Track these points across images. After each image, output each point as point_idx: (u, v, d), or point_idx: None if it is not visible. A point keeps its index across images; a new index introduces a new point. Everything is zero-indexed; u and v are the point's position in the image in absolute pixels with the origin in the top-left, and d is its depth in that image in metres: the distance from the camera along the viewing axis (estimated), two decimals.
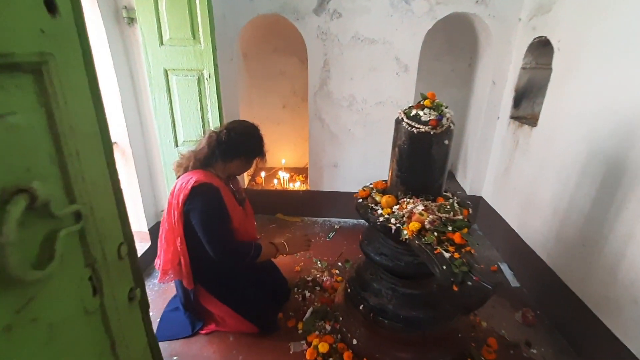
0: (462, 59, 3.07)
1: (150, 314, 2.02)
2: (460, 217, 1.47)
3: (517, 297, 2.19)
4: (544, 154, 2.12)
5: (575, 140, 1.86)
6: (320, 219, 3.15)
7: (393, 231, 1.47)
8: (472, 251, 1.31)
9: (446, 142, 1.48)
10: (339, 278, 2.31)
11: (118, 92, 2.01)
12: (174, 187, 1.56)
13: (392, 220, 1.50)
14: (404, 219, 1.49)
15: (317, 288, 2.24)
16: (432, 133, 1.43)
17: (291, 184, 3.20)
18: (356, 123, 2.83)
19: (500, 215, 2.63)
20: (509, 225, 2.48)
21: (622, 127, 1.56)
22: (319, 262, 2.52)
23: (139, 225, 2.34)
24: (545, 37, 2.16)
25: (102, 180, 0.70)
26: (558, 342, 1.85)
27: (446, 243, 1.34)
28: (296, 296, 2.16)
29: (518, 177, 2.40)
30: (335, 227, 3.03)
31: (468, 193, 3.01)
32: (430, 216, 1.43)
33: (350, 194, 3.17)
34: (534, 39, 2.28)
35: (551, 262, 2.03)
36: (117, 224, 0.75)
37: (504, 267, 2.45)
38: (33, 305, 0.51)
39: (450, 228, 1.38)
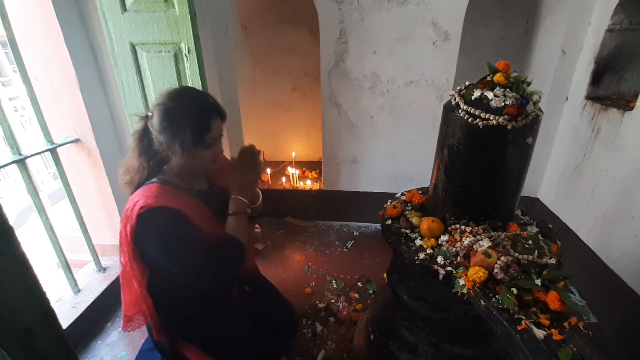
0: (517, 23, 2.41)
1: (124, 353, 1.68)
2: (550, 258, 0.94)
3: (596, 339, 1.64)
4: None
5: None
6: (336, 224, 2.67)
7: (441, 277, 0.97)
8: (581, 325, 0.79)
9: (529, 140, 0.94)
10: (359, 306, 1.85)
11: (74, 75, 1.57)
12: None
13: (439, 260, 0.99)
14: (459, 259, 0.98)
15: (331, 319, 1.78)
16: (508, 127, 0.90)
17: (302, 182, 2.72)
18: (380, 108, 2.28)
19: (566, 225, 2.05)
20: (582, 240, 1.90)
21: None
22: (334, 281, 2.06)
23: (115, 238, 1.94)
24: None
25: None
26: None
27: (534, 308, 0.83)
28: (305, 331, 1.72)
29: (598, 178, 1.80)
30: (355, 234, 2.54)
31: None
32: (503, 257, 0.91)
33: (373, 194, 2.68)
34: None
35: None
36: None
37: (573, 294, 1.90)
38: None
39: (537, 280, 0.86)
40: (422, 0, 1.97)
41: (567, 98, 2.10)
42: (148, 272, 1.18)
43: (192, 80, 1.65)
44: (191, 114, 1.01)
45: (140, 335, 1.68)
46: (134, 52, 1.60)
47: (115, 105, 1.78)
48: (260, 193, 1.31)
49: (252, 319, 1.46)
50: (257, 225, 2.55)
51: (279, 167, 3.02)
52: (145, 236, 1.05)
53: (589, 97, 1.94)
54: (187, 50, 1.58)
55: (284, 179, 2.76)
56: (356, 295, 1.95)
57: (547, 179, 2.30)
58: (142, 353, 1.59)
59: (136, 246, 1.09)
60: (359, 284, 2.04)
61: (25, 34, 1.51)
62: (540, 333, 0.77)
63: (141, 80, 1.65)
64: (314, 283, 2.05)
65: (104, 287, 1.83)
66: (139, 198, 1.03)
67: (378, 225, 2.59)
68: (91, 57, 1.68)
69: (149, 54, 1.60)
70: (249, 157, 1.18)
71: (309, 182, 2.71)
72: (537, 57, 2.28)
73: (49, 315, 0.88)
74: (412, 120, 2.27)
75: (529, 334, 0.77)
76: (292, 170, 2.73)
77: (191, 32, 1.55)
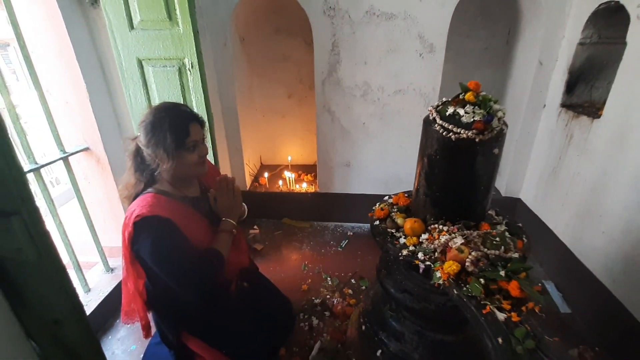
0: (499, 34, 2.57)
1: (134, 347, 1.79)
2: (514, 252, 1.09)
3: (569, 328, 1.79)
4: (611, 153, 1.67)
5: None
6: (331, 224, 2.80)
7: (421, 271, 1.11)
8: (537, 309, 0.93)
9: (496, 151, 1.08)
10: (352, 301, 1.98)
11: (85, 88, 1.69)
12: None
13: (420, 255, 1.13)
14: (436, 254, 1.12)
15: (327, 313, 1.91)
16: (477, 140, 1.04)
17: (298, 185, 2.84)
18: (371, 115, 2.42)
19: (545, 224, 2.20)
20: (558, 238, 2.05)
21: None
22: (329, 278, 2.19)
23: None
24: (617, 1, 1.68)
25: None
26: None
27: (498, 296, 0.97)
28: (302, 324, 1.84)
29: (572, 180, 1.95)
30: (348, 234, 2.68)
31: (503, 194, 2.58)
32: (473, 252, 1.05)
33: (365, 196, 2.82)
34: (600, 5, 1.79)
35: (617, 290, 1.61)
36: None
37: (550, 287, 2.05)
38: None
39: (502, 272, 1.00)
40: (409, 16, 2.11)
41: (544, 105, 2.26)
42: (144, 275, 1.30)
43: (195, 92, 1.77)
44: (169, 122, 1.14)
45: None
46: (141, 67, 1.71)
47: (123, 116, 1.90)
48: (245, 206, 1.51)
49: (253, 314, 1.59)
50: (255, 227, 2.67)
51: (276, 170, 3.15)
52: (139, 242, 1.17)
53: (563, 105, 2.09)
54: (190, 65, 1.70)
55: (280, 182, 2.88)
56: (350, 291, 2.08)
57: (528, 180, 2.46)
58: (151, 347, 1.71)
59: (133, 251, 1.22)
60: (352, 280, 2.17)
61: (39, 51, 1.62)
62: (501, 316, 0.90)
63: (147, 93, 1.77)
64: (310, 280, 2.18)
65: (112, 287, 1.94)
66: (135, 207, 1.15)
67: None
68: (100, 72, 1.79)
69: (155, 69, 1.72)
70: (225, 185, 1.35)
71: (304, 185, 2.84)
72: (517, 66, 2.44)
73: (78, 307, 1.00)
74: (401, 126, 2.41)
75: (492, 316, 0.90)
76: (288, 174, 2.86)
77: (194, 49, 1.67)
